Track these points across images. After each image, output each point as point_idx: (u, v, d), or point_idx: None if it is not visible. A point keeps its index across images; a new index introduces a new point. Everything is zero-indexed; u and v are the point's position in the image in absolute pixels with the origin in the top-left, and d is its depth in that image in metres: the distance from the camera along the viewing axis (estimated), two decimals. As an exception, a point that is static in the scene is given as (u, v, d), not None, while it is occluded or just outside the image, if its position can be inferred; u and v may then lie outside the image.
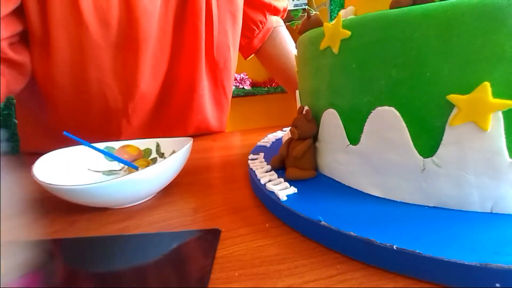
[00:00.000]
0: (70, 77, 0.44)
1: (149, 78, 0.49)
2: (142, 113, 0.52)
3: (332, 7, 1.33)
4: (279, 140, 0.43)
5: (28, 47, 0.42)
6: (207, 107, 0.58)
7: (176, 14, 0.48)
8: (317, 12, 0.30)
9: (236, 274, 0.18)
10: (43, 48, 0.41)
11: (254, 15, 0.61)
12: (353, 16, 0.24)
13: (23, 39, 0.41)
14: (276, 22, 0.66)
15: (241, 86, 1.58)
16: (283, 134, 0.45)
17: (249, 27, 0.62)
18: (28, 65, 0.42)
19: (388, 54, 0.20)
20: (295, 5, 1.48)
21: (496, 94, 0.17)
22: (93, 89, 0.46)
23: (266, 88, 1.60)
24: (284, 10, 0.66)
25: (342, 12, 0.26)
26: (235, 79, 1.60)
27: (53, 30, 0.40)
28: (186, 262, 0.19)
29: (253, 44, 0.65)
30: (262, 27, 0.63)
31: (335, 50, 0.23)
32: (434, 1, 0.18)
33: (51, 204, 0.29)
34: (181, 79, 0.52)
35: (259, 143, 0.42)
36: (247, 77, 1.62)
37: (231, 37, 0.55)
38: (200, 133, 0.61)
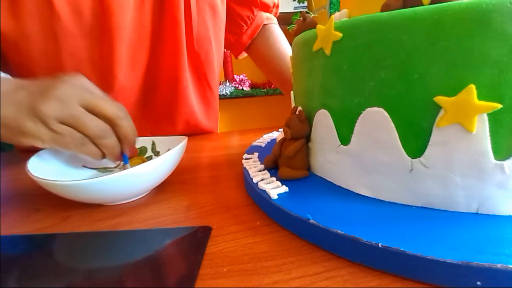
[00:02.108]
0: (46, 69, 0.44)
1: (127, 69, 0.49)
2: (127, 106, 0.52)
3: (331, 10, 1.34)
4: (274, 140, 0.43)
5: None
6: (193, 100, 0.58)
7: (155, 4, 0.48)
8: (316, 15, 0.30)
9: (225, 270, 0.18)
10: (17, 39, 0.41)
11: (241, 11, 0.61)
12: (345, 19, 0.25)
13: None
14: (268, 19, 0.65)
15: (240, 87, 1.59)
16: (278, 134, 0.45)
17: (237, 23, 0.62)
18: None
19: (377, 56, 0.20)
20: (295, 8, 1.48)
21: (481, 97, 0.17)
22: None
23: (265, 90, 1.61)
24: (275, 5, 0.65)
25: (336, 14, 0.27)
26: (235, 80, 1.60)
27: (25, 19, 0.40)
28: (176, 258, 0.20)
29: (243, 41, 0.64)
30: (251, 23, 0.63)
31: (327, 51, 0.23)
32: (424, 5, 0.19)
33: (45, 199, 0.30)
34: (164, 71, 0.52)
35: (254, 143, 0.42)
36: (246, 78, 1.63)
37: (211, 30, 0.55)
38: (191, 132, 0.61)
